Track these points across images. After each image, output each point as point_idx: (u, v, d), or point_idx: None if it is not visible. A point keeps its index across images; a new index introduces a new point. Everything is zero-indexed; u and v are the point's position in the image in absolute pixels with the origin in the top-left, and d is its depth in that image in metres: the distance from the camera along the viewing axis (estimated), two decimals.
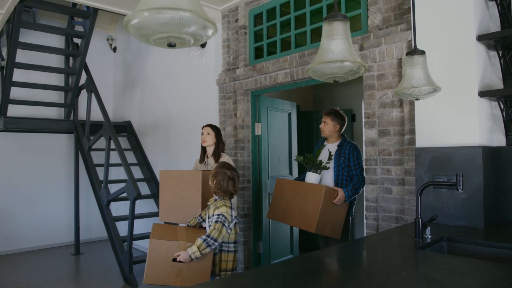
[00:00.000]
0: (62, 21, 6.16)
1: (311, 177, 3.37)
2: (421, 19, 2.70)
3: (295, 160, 3.98)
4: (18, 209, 5.87)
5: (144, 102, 5.99)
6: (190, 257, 2.51)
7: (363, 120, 3.30)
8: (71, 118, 5.81)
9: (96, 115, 5.63)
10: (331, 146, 3.54)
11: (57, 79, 6.18)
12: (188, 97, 5.02)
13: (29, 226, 5.93)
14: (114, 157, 5.85)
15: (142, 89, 6.04)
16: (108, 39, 6.79)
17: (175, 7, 1.09)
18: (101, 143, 5.41)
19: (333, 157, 3.44)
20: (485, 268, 1.64)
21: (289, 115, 4.90)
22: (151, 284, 2.65)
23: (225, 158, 3.55)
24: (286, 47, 4.12)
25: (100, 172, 5.12)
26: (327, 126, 3.53)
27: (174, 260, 2.56)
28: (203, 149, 3.65)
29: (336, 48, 1.73)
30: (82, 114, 5.82)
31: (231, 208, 2.75)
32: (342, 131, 3.59)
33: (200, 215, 3.05)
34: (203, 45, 4.71)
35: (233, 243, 2.77)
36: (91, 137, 5.32)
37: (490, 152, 2.57)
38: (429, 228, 2.24)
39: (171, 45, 1.16)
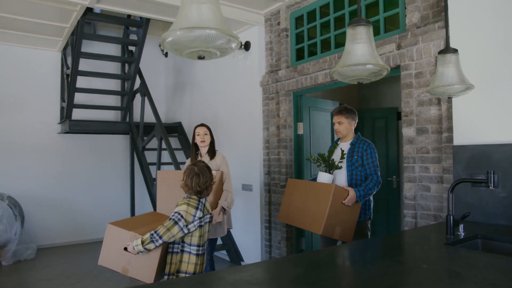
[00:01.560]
0: (118, 31, 6.64)
1: (323, 177, 3.20)
2: (457, 15, 2.70)
3: (306, 159, 3.79)
4: (81, 204, 6.43)
5: (193, 103, 6.30)
6: (134, 249, 2.48)
7: (402, 118, 3.31)
8: (127, 120, 6.25)
9: (149, 117, 6.02)
10: (344, 145, 3.37)
11: (114, 84, 6.67)
12: (233, 98, 5.24)
13: (91, 219, 6.46)
14: (166, 156, 6.22)
15: (192, 92, 6.36)
16: (160, 45, 7.20)
17: (202, 26, 1.27)
18: (154, 143, 5.79)
19: (345, 156, 3.27)
20: (510, 263, 1.67)
21: (331, 114, 4.95)
22: (104, 267, 2.72)
23: (220, 156, 3.60)
24: (326, 47, 4.21)
25: (153, 170, 5.49)
26: (343, 126, 3.32)
27: (126, 249, 2.57)
28: (196, 149, 3.66)
29: (359, 51, 1.83)
30: (136, 116, 6.25)
31: (196, 208, 2.56)
32: (354, 127, 3.41)
33: None
34: (247, 48, 4.91)
35: (196, 245, 2.57)
36: (145, 138, 5.72)
37: None
38: (462, 225, 2.26)
39: (200, 58, 1.34)
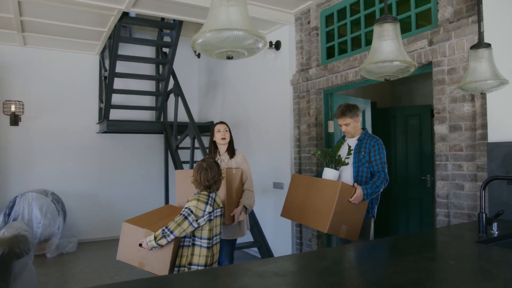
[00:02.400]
0: (152, 33, 6.86)
1: (329, 174, 3.10)
2: (491, 9, 2.64)
3: (312, 154, 3.60)
4: (118, 200, 6.69)
5: (225, 103, 6.42)
6: (148, 244, 2.58)
7: (434, 116, 3.26)
8: (161, 120, 6.44)
9: (182, 116, 6.18)
10: (351, 141, 3.28)
11: (149, 85, 6.89)
12: (264, 97, 5.31)
13: (127, 216, 6.68)
14: (198, 155, 6.36)
15: (224, 91, 6.47)
16: (192, 46, 7.37)
17: (231, 27, 1.33)
18: (187, 142, 5.94)
19: (352, 151, 3.17)
20: None
21: (363, 112, 4.93)
22: (121, 262, 2.88)
23: (240, 154, 3.52)
24: (357, 45, 4.20)
25: (186, 168, 5.64)
26: (351, 126, 3.23)
27: (141, 245, 2.67)
28: (214, 147, 3.55)
29: (386, 48, 1.84)
30: (170, 116, 6.43)
31: (205, 203, 2.65)
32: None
33: None
34: (277, 48, 4.96)
35: (206, 239, 2.67)
36: (178, 137, 5.88)
37: None
38: (495, 223, 2.21)
39: (229, 58, 1.40)
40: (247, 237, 5.40)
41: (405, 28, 3.59)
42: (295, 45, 4.85)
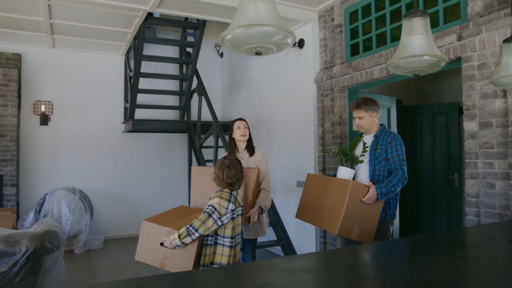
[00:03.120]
0: (176, 33, 6.94)
1: (344, 173, 2.94)
2: None
3: (326, 152, 3.43)
4: (143, 198, 6.80)
5: (248, 102, 6.44)
6: (171, 243, 2.52)
7: (464, 112, 3.18)
8: (185, 119, 6.51)
9: (206, 115, 6.23)
10: (368, 138, 3.12)
11: (173, 85, 6.98)
12: (288, 96, 5.29)
13: (152, 213, 6.78)
14: (222, 154, 6.40)
15: (246, 90, 6.49)
16: (215, 46, 7.43)
17: (260, 23, 1.34)
18: (211, 141, 5.99)
19: (368, 149, 3.00)
20: None
21: (388, 110, 4.85)
22: (142, 262, 2.81)
23: (259, 152, 3.43)
24: (382, 42, 4.13)
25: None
26: (364, 120, 3.08)
27: (162, 244, 2.60)
28: (234, 144, 3.46)
29: (415, 43, 1.81)
30: (193, 115, 6.50)
31: (228, 200, 2.60)
32: (378, 118, 3.16)
33: None
34: (301, 46, 4.94)
35: (229, 237, 2.62)
36: (202, 136, 5.93)
37: None
38: None
39: (258, 53, 1.41)
40: (271, 236, 5.40)
41: (432, 24, 3.50)
42: (318, 43, 4.82)
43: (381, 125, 3.14)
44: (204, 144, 6.02)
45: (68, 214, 5.54)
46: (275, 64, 5.56)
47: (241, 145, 3.43)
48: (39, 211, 5.60)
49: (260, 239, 5.57)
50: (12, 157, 5.72)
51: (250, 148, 3.41)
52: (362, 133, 3.22)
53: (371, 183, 2.88)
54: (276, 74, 5.57)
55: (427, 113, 5.68)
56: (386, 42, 4.03)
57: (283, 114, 5.39)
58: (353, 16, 4.52)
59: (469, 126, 3.09)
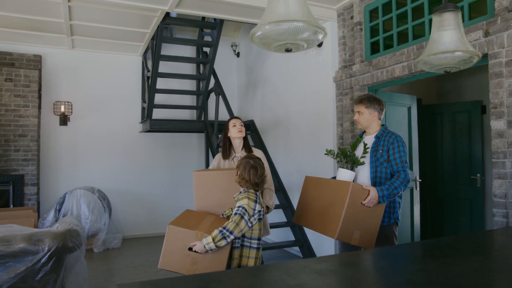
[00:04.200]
0: (192, 33, 6.96)
1: (343, 175, 2.83)
2: None
3: (325, 154, 3.15)
4: (161, 198, 6.84)
5: (265, 101, 6.41)
6: (205, 247, 2.40)
7: (490, 111, 3.09)
8: (202, 118, 6.52)
9: (223, 115, 6.22)
10: (369, 138, 3.02)
11: (189, 85, 7.00)
12: (306, 95, 5.25)
13: (169, 213, 6.81)
14: None
15: (263, 89, 6.47)
16: (232, 46, 7.42)
17: (290, 19, 1.31)
18: None
19: (368, 150, 2.88)
20: None
21: (409, 109, 4.76)
22: (166, 270, 2.57)
23: (258, 151, 3.28)
24: (403, 39, 4.06)
25: None
26: (363, 116, 3.00)
27: (190, 249, 2.45)
28: (229, 144, 3.30)
29: (446, 38, 1.76)
30: (210, 115, 6.50)
31: (255, 201, 2.54)
32: (381, 118, 3.07)
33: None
34: (319, 45, 4.89)
35: (256, 239, 2.57)
36: (219, 136, 5.92)
37: None
38: None
39: (288, 50, 1.38)
40: (288, 236, 5.37)
41: None
42: (337, 41, 4.76)
43: (382, 125, 3.05)
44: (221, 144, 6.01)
45: (87, 213, 5.60)
46: (293, 63, 5.52)
47: (238, 143, 3.27)
48: (59, 210, 5.68)
49: (278, 239, 5.56)
50: (33, 156, 5.81)
51: (247, 147, 3.28)
52: (363, 134, 3.14)
53: (370, 185, 2.79)
54: (294, 73, 5.53)
55: (448, 112, 5.58)
56: (408, 39, 3.96)
57: (301, 113, 5.35)
58: (373, 13, 4.45)
59: (496, 124, 3.01)
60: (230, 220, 2.46)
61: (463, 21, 3.36)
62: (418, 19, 3.85)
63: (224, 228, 2.42)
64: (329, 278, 1.36)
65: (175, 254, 2.50)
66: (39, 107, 6.02)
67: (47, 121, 6.20)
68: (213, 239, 2.39)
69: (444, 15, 1.78)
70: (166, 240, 2.53)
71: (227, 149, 3.28)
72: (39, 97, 6.01)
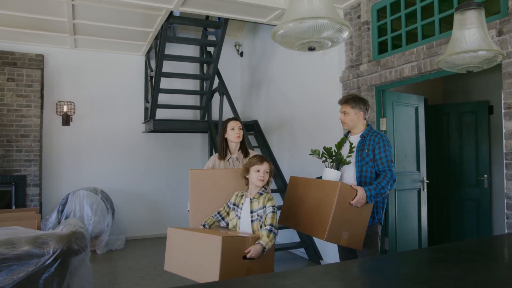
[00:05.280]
0: (195, 33, 6.90)
1: (329, 174, 2.79)
2: None
3: (309, 154, 3.03)
4: (164, 199, 6.78)
5: (269, 101, 6.35)
6: (264, 249, 2.37)
7: (503, 111, 3.05)
8: (205, 119, 6.46)
9: (226, 115, 6.15)
10: (354, 138, 3.01)
11: (192, 84, 6.94)
12: (312, 95, 5.19)
13: (173, 214, 6.78)
14: None
15: (268, 89, 6.41)
16: (235, 45, 7.36)
17: (314, 16, 1.25)
18: None
19: (354, 149, 2.87)
20: None
21: (416, 109, 4.72)
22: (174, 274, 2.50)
23: (254, 153, 3.20)
24: (412, 39, 4.01)
25: None
26: (349, 116, 2.99)
27: (245, 258, 2.34)
28: (226, 145, 3.25)
29: (469, 37, 1.71)
30: (214, 115, 6.44)
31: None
32: (366, 118, 3.05)
33: (219, 213, 2.82)
34: None
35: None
36: None
37: None
38: None
39: (311, 49, 1.33)
40: (293, 238, 5.31)
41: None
42: (344, 41, 4.70)
43: (368, 125, 3.04)
44: None
45: (90, 215, 5.54)
46: (299, 63, 5.47)
47: (234, 146, 3.25)
48: (62, 211, 5.62)
49: (283, 241, 5.50)
50: (35, 157, 5.75)
51: (244, 149, 3.26)
52: (348, 134, 3.11)
53: (356, 185, 2.77)
54: (299, 73, 5.48)
55: (455, 112, 5.53)
56: (417, 39, 3.90)
57: (307, 113, 5.30)
58: (380, 13, 4.39)
59: (509, 125, 2.96)
60: (272, 217, 2.50)
61: None
62: (428, 18, 3.79)
63: (272, 225, 2.46)
64: (352, 284, 1.31)
65: (231, 265, 2.29)
66: (42, 107, 5.96)
67: (49, 121, 6.13)
68: (269, 238, 2.41)
69: (467, 13, 1.73)
70: (222, 253, 2.22)
71: (223, 150, 3.25)
72: (42, 97, 5.95)
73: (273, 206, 2.56)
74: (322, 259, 4.95)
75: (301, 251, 5.30)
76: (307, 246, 4.99)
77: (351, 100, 3.00)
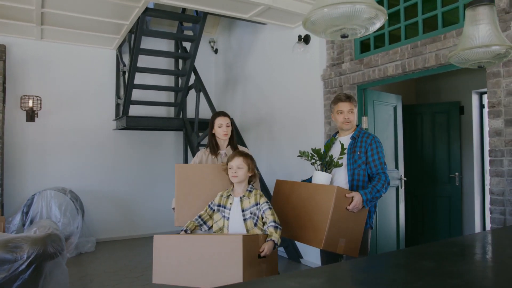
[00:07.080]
0: (169, 27, 6.69)
1: (320, 178, 2.66)
2: None
3: (298, 156, 2.91)
4: (136, 199, 6.54)
5: (246, 99, 6.27)
6: (276, 245, 2.34)
7: (487, 109, 3.13)
8: (181, 116, 6.28)
9: (202, 112, 6.02)
10: (344, 139, 2.88)
11: (165, 80, 6.73)
12: (292, 93, 5.16)
13: (145, 214, 6.56)
14: None
15: (244, 87, 6.33)
16: (210, 42, 7.22)
17: (350, 0, 1.19)
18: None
19: (346, 151, 2.75)
20: None
21: (395, 108, 4.80)
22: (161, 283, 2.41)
23: (245, 150, 3.15)
24: (394, 39, 4.06)
25: None
26: (353, 115, 2.87)
27: (260, 256, 2.27)
28: (215, 140, 3.15)
29: (481, 33, 1.72)
30: (189, 113, 6.26)
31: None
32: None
33: (200, 217, 2.67)
34: (306, 42, 4.82)
35: None
36: (200, 134, 5.73)
37: None
38: None
39: (344, 36, 1.27)
40: None
41: (452, 20, 3.47)
42: (325, 39, 4.71)
43: (357, 125, 2.94)
44: (202, 142, 5.82)
45: (59, 216, 5.24)
46: (278, 60, 5.43)
47: (222, 142, 3.16)
48: (27, 212, 5.28)
49: None
50: None
51: (233, 145, 3.18)
52: (336, 134, 3.01)
53: (350, 189, 2.66)
54: (278, 70, 5.44)
55: (428, 112, 5.69)
56: (400, 39, 3.96)
57: (286, 111, 5.26)
58: None
59: (494, 123, 3.05)
60: (270, 214, 2.46)
61: (458, 21, 3.40)
62: (411, 19, 3.85)
63: (274, 221, 2.43)
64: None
65: (250, 263, 2.17)
66: (3, 102, 5.56)
67: (12, 116, 5.74)
68: (278, 234, 2.38)
69: (478, 9, 1.73)
70: (244, 254, 2.11)
71: (214, 146, 3.15)
72: (3, 90, 5.55)
73: (267, 202, 2.52)
74: (302, 258, 4.94)
75: (280, 250, 5.26)
76: (287, 245, 4.96)
77: (353, 98, 2.90)
